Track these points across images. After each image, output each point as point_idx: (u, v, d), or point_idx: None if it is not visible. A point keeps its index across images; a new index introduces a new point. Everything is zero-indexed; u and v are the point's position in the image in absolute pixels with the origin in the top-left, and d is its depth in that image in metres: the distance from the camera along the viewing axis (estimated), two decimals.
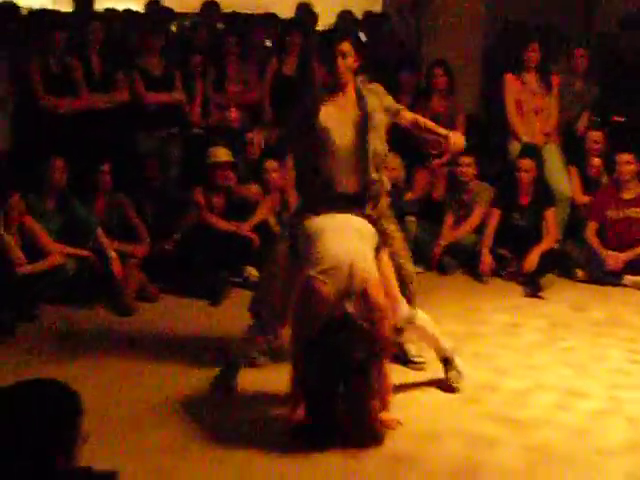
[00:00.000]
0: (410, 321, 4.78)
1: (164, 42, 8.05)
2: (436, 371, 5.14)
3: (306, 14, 9.25)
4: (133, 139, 7.65)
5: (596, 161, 7.72)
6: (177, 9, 9.62)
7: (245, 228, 7.05)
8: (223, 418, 4.54)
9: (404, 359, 5.26)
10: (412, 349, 5.29)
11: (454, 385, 4.92)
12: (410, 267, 5.02)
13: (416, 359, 5.28)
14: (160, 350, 5.51)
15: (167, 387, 4.94)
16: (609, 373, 5.26)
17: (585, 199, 7.69)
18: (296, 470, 4.02)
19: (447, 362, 4.97)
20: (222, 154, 7.12)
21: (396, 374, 5.00)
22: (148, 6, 9.35)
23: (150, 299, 6.51)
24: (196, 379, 5.03)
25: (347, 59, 4.62)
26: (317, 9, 9.39)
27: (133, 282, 6.43)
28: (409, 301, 4.90)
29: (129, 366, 5.25)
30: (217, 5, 9.04)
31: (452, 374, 4.95)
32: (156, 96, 7.74)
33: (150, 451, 4.17)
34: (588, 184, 7.78)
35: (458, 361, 5.00)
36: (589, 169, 7.80)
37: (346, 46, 4.62)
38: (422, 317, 4.87)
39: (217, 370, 4.96)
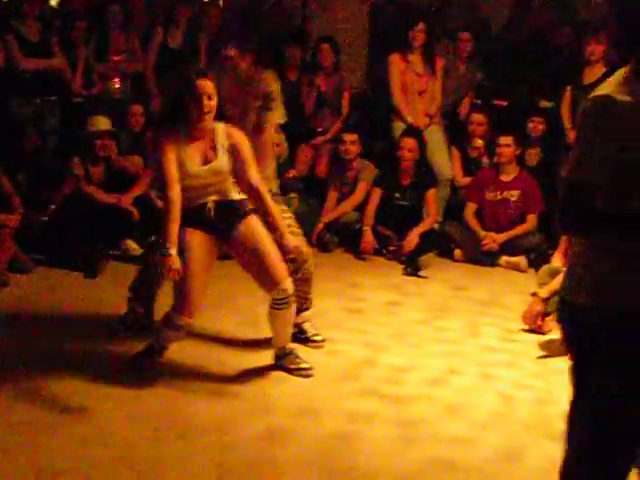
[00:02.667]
0: (283, 298, 4.64)
1: (42, 7, 7.78)
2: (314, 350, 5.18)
3: None
4: (7, 105, 7.37)
5: (478, 142, 7.84)
6: None
7: (125, 200, 6.90)
8: (90, 396, 4.45)
9: (303, 338, 5.23)
10: (310, 328, 5.28)
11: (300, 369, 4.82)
12: (305, 247, 5.12)
13: (315, 337, 5.27)
14: (34, 321, 5.39)
15: (40, 357, 4.83)
16: (483, 351, 5.36)
17: (465, 180, 7.81)
18: (173, 449, 3.97)
19: (282, 357, 4.84)
20: (102, 123, 6.95)
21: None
22: None
23: (24, 270, 6.31)
24: (68, 348, 4.96)
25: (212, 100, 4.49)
26: None
27: (5, 253, 6.20)
28: (306, 280, 5.10)
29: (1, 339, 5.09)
30: None
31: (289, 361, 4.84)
32: (32, 62, 7.48)
33: (18, 425, 4.05)
34: (469, 166, 7.91)
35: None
36: (471, 151, 7.92)
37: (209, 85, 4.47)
38: (292, 311, 4.78)
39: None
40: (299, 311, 5.20)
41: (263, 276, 4.61)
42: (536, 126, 7.84)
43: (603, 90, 2.60)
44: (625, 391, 2.56)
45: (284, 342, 4.83)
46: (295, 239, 4.79)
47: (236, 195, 4.63)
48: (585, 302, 2.62)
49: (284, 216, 4.98)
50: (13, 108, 7.40)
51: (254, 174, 4.57)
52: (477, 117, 7.93)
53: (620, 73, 2.66)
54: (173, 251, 4.29)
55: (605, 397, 2.58)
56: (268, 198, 4.59)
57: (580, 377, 2.69)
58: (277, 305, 4.64)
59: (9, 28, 7.48)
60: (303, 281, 5.14)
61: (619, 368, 2.56)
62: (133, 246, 6.77)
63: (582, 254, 2.68)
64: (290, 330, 4.83)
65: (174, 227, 4.34)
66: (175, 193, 4.39)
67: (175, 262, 4.29)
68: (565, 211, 2.61)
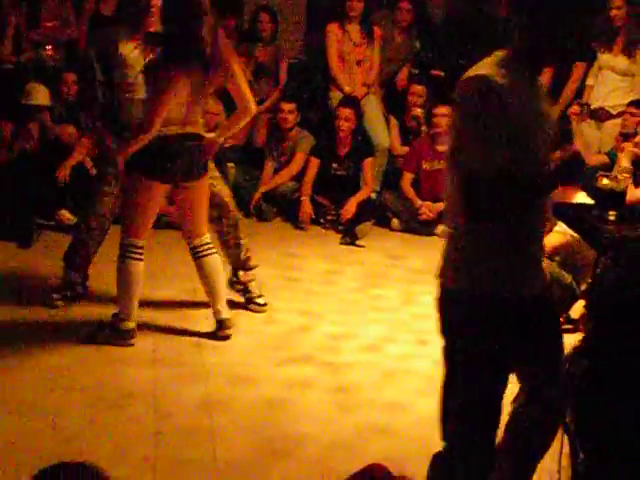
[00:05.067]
0: (205, 250, 4.79)
1: None
2: (250, 314, 5.20)
3: None
4: None
5: (418, 111, 7.85)
6: None
7: (62, 172, 6.77)
8: (24, 366, 4.39)
9: (247, 298, 5.27)
10: (255, 289, 5.30)
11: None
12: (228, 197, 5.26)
13: (258, 300, 5.30)
14: None
15: None
16: (419, 318, 5.40)
17: (403, 150, 7.83)
18: (108, 418, 3.94)
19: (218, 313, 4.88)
20: (41, 96, 6.81)
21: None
22: None
23: None
24: (3, 321, 4.89)
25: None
26: None
27: None
28: (234, 225, 5.20)
29: None
30: None
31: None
32: None
33: None
34: (407, 136, 7.93)
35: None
36: (409, 120, 7.93)
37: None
38: (219, 263, 4.87)
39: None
40: (244, 267, 5.26)
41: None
42: None
43: (479, 70, 2.67)
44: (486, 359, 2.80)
45: (212, 296, 4.88)
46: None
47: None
48: (459, 286, 2.82)
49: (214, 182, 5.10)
50: None
51: None
52: (416, 88, 7.92)
53: (498, 55, 2.74)
54: None
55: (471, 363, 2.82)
56: None
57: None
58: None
59: None
60: (231, 227, 5.21)
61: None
62: (67, 216, 6.66)
63: (459, 240, 2.85)
64: (214, 281, 4.86)
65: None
66: None
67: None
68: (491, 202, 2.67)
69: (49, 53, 7.81)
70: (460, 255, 2.81)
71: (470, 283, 2.76)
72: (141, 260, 4.64)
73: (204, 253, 4.80)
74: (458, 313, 2.83)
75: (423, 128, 7.77)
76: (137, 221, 4.63)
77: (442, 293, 2.89)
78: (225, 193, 5.23)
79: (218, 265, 4.85)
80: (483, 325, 2.75)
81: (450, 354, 2.89)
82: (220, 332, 4.84)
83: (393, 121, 7.97)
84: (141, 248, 4.64)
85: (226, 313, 4.87)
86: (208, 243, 4.82)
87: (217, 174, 5.24)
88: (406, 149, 7.78)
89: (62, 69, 7.58)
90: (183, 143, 4.55)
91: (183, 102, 4.50)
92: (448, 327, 2.88)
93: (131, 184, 4.62)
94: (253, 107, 4.76)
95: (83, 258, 5.21)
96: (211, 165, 5.13)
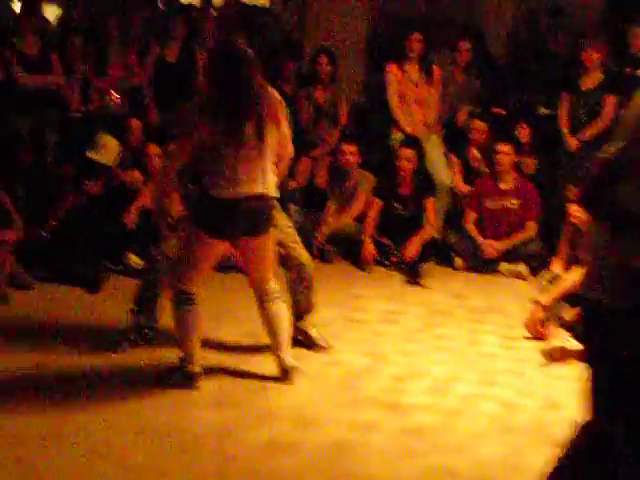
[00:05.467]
0: (271, 297, 4.77)
1: (41, 23, 7.85)
2: (314, 357, 5.19)
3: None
4: (5, 119, 7.40)
5: (474, 153, 7.84)
6: None
7: (130, 218, 6.88)
8: (94, 409, 4.45)
9: (308, 344, 5.30)
10: (315, 333, 5.33)
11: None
12: (305, 255, 5.30)
13: (321, 342, 5.32)
14: (36, 336, 5.37)
15: (43, 376, 4.81)
16: (483, 358, 5.36)
17: (465, 189, 7.82)
18: (174, 460, 3.97)
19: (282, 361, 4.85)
20: (108, 153, 6.98)
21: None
22: None
23: (24, 287, 6.28)
24: (69, 363, 4.96)
25: None
26: None
27: (5, 269, 6.19)
28: (309, 286, 5.24)
29: (3, 355, 5.07)
30: None
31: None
32: (32, 77, 7.52)
33: (16, 438, 4.05)
34: (469, 174, 7.91)
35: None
36: (471, 159, 7.92)
37: None
38: (284, 311, 4.86)
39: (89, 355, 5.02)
40: (303, 316, 5.29)
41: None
42: (520, 132, 7.84)
43: None
44: None
45: (275, 343, 4.86)
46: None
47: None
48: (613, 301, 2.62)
49: (286, 231, 5.16)
50: (12, 122, 7.43)
51: None
52: (479, 124, 7.88)
53: None
54: None
55: None
56: None
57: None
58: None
59: (8, 43, 7.52)
60: (307, 289, 5.27)
61: None
62: (135, 260, 6.75)
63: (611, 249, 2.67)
64: (279, 327, 4.84)
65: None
66: None
67: None
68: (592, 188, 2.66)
69: (114, 100, 7.99)
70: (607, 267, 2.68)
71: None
72: (196, 304, 4.66)
73: (269, 301, 4.79)
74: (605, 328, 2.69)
75: (481, 168, 7.74)
76: (191, 270, 4.63)
77: (589, 309, 2.76)
78: (305, 257, 5.26)
79: (283, 313, 4.84)
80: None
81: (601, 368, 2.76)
82: (284, 379, 4.83)
83: (455, 160, 7.97)
84: (194, 293, 4.65)
85: (290, 361, 4.85)
86: (274, 291, 4.80)
87: (298, 238, 5.27)
88: (468, 188, 7.76)
89: (127, 116, 7.75)
90: (243, 206, 4.47)
91: (234, 162, 4.43)
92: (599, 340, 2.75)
93: (190, 234, 4.64)
94: (292, 149, 4.80)
95: (152, 302, 5.28)
96: (290, 230, 5.20)
